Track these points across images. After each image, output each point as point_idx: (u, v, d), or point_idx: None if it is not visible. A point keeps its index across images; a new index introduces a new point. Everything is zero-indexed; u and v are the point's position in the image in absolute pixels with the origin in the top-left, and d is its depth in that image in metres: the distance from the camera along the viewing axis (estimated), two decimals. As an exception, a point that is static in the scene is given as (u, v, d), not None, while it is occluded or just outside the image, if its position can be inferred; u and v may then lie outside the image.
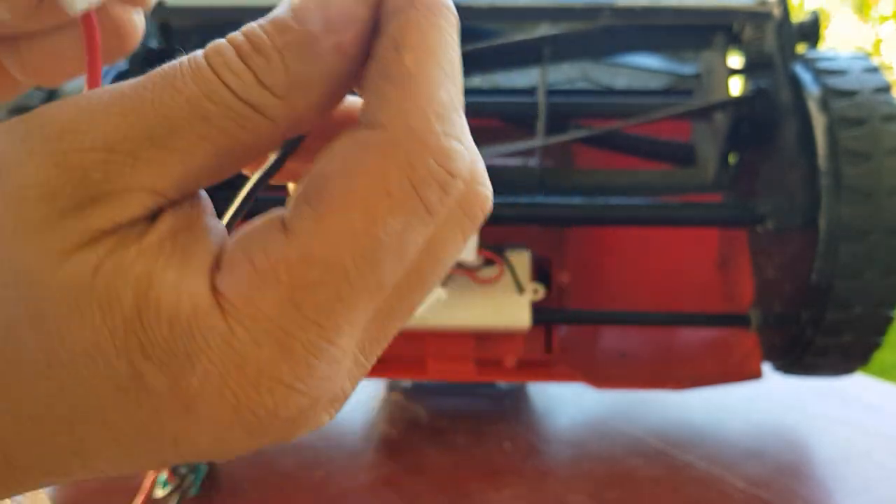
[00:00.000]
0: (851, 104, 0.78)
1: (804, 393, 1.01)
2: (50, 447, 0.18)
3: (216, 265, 0.18)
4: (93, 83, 0.22)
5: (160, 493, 0.75)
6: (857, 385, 1.04)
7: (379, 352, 0.21)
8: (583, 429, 0.93)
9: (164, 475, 0.76)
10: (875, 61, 0.85)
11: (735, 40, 0.91)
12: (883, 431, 0.93)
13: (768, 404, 0.99)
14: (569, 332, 0.97)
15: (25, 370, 0.17)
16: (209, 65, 0.18)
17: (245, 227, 0.18)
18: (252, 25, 0.18)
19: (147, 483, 0.76)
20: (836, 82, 0.80)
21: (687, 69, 1.03)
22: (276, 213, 0.18)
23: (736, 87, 0.97)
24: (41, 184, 0.17)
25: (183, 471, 0.76)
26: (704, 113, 0.92)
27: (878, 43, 5.91)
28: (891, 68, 5.64)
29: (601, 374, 0.92)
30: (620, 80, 1.06)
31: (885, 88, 0.80)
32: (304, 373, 0.18)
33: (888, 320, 0.78)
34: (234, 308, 0.17)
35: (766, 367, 0.92)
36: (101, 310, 0.17)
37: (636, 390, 0.99)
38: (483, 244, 0.83)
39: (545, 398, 1.00)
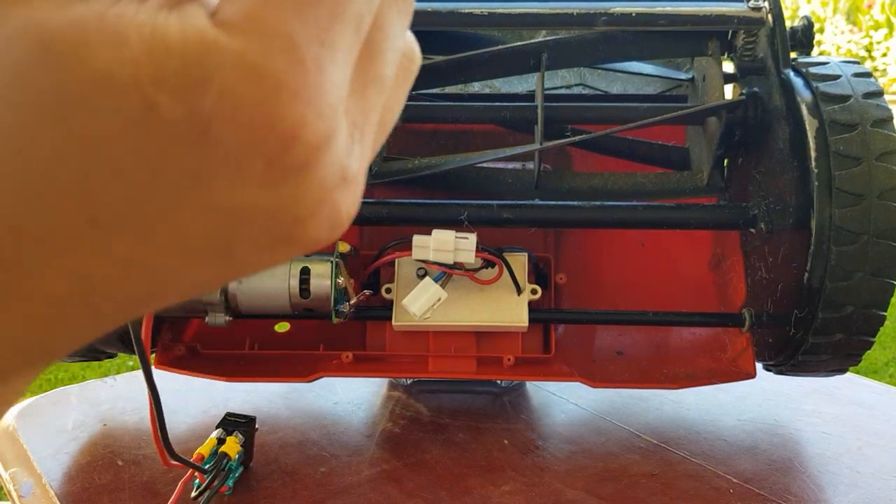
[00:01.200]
0: (843, 108, 0.79)
1: (796, 391, 1.03)
2: (61, 215, 0.17)
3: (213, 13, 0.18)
4: None
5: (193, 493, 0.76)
6: (849, 384, 1.05)
7: (367, 133, 0.21)
8: (580, 426, 0.95)
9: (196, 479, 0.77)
10: (867, 67, 0.86)
11: (729, 46, 0.93)
12: (874, 429, 0.95)
13: (761, 402, 1.00)
14: (566, 332, 0.98)
15: (35, 112, 0.16)
16: None
17: None
18: None
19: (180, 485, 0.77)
20: (827, 87, 0.81)
21: (682, 75, 1.04)
22: None
23: (730, 92, 0.98)
24: None
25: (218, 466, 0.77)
26: (698, 117, 0.93)
27: (870, 48, 5.93)
28: (883, 73, 5.65)
29: (597, 373, 0.93)
30: (616, 86, 1.08)
31: (877, 93, 0.80)
32: (316, 88, 0.18)
33: (879, 320, 0.79)
34: (241, 27, 0.17)
35: (759, 367, 0.93)
36: (109, 45, 0.16)
37: (631, 388, 1.00)
38: (482, 246, 0.85)
39: (543, 396, 1.02)
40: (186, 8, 0.17)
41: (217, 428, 0.81)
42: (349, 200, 0.20)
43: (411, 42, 0.23)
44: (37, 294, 0.17)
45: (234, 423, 0.82)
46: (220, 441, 0.80)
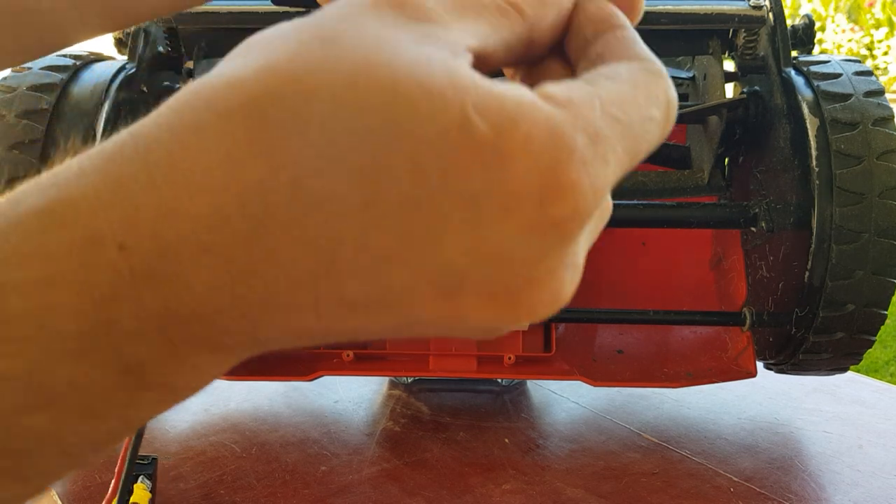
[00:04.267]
0: (843, 107, 0.79)
1: (797, 390, 1.03)
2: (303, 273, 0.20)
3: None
4: None
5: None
6: (850, 382, 1.05)
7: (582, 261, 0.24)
8: (580, 424, 0.95)
9: None
10: (868, 65, 0.86)
11: (730, 45, 0.92)
12: (874, 427, 0.95)
13: (761, 400, 1.00)
14: (567, 331, 0.98)
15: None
16: None
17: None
18: None
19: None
20: (828, 86, 0.81)
21: (683, 73, 1.04)
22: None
23: (731, 90, 0.98)
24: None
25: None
26: (699, 116, 0.93)
27: (871, 47, 5.92)
28: (884, 72, 5.65)
29: (598, 372, 0.93)
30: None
31: (878, 92, 0.81)
32: (597, 171, 0.21)
33: (880, 318, 0.79)
34: (561, 101, 0.21)
35: (760, 365, 0.93)
36: (441, 86, 0.20)
37: (632, 387, 1.00)
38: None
39: (544, 394, 1.02)
40: (516, 83, 0.21)
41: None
42: (571, 285, 0.22)
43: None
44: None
45: (138, 465, 0.75)
46: (128, 492, 0.74)
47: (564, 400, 1.00)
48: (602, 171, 0.21)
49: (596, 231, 0.25)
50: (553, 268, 0.21)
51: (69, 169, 0.21)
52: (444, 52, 0.20)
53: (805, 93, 0.81)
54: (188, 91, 0.20)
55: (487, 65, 0.23)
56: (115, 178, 0.20)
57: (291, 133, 0.19)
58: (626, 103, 0.22)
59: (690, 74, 1.03)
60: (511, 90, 0.20)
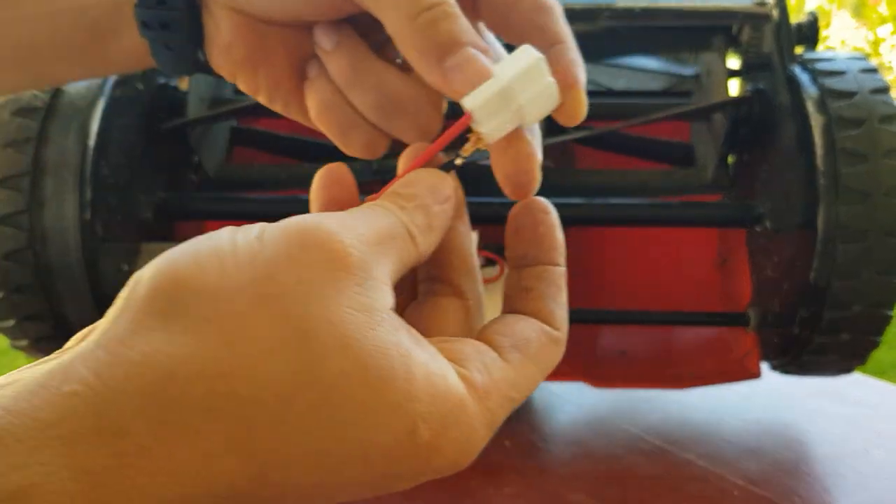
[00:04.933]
0: (849, 105, 0.78)
1: (802, 391, 1.02)
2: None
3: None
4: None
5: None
6: (855, 384, 1.04)
7: None
8: (583, 427, 0.94)
9: None
10: (873, 62, 0.85)
11: (734, 42, 0.92)
12: (880, 430, 0.94)
13: (766, 402, 0.99)
14: (569, 331, 0.97)
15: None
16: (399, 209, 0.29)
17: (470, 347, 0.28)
18: (411, 193, 0.30)
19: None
20: (833, 83, 0.80)
21: (686, 71, 1.03)
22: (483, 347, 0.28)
23: (735, 88, 0.97)
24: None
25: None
26: (703, 114, 0.92)
27: (876, 44, 5.91)
28: (889, 69, 5.64)
29: (601, 373, 0.92)
30: (620, 82, 1.07)
31: (883, 89, 0.80)
32: (480, 441, 0.26)
33: (886, 319, 0.79)
34: (479, 393, 0.26)
35: (765, 366, 0.92)
36: (397, 401, 0.24)
37: (635, 389, 0.99)
38: (483, 244, 0.84)
39: (546, 397, 1.01)
40: (465, 366, 0.27)
41: None
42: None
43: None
44: None
45: None
46: None
47: (566, 402, 1.00)
48: (488, 436, 0.27)
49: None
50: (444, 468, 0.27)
51: (26, 437, 0.20)
52: (400, 341, 0.25)
53: (810, 90, 0.81)
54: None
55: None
56: (83, 468, 0.20)
57: (271, 433, 0.23)
58: (525, 382, 0.28)
59: (694, 71, 1.02)
60: (446, 386, 0.25)
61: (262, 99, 0.36)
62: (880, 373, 2.58)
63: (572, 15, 0.89)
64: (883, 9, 6.00)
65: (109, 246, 0.80)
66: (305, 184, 0.32)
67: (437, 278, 0.31)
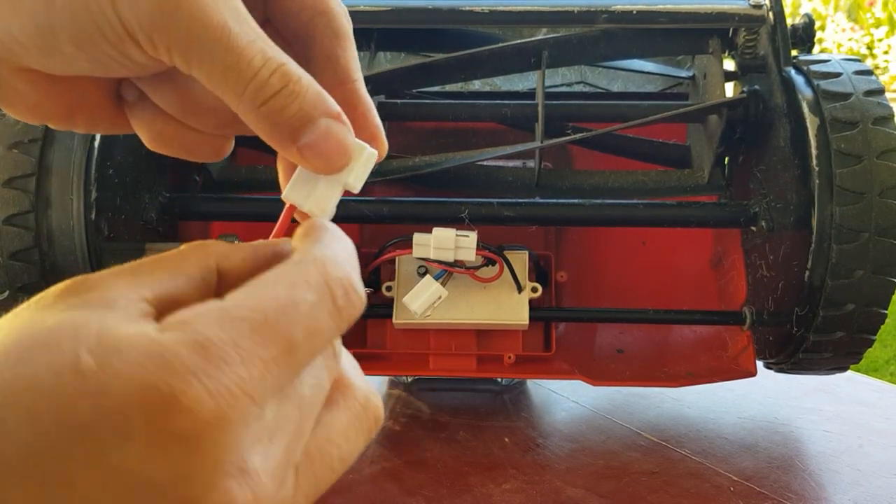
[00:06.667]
0: (843, 106, 0.79)
1: (797, 389, 1.03)
2: None
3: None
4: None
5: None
6: (850, 381, 1.05)
7: (284, 447, 0.24)
8: (580, 424, 0.95)
9: None
10: (868, 64, 0.86)
11: (730, 44, 0.92)
12: (875, 427, 0.95)
13: (761, 400, 1.00)
14: (566, 330, 0.98)
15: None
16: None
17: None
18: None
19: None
20: (828, 85, 0.81)
21: (683, 73, 1.04)
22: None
23: (730, 90, 0.98)
24: None
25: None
26: (699, 115, 0.93)
27: (871, 46, 5.92)
28: (885, 71, 5.65)
29: (598, 371, 0.93)
30: (617, 84, 1.08)
31: (878, 91, 0.80)
32: (214, 372, 0.21)
33: (880, 318, 0.79)
34: (170, 323, 0.22)
35: (760, 365, 0.93)
36: (59, 339, 0.21)
37: (632, 386, 1.00)
38: (483, 244, 0.85)
39: (544, 394, 1.02)
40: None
41: None
42: (246, 496, 0.21)
43: (375, 403, 0.28)
44: None
45: None
46: None
47: (564, 399, 1.00)
48: (230, 376, 0.21)
49: (291, 425, 0.24)
50: (207, 484, 0.20)
51: None
52: (91, 313, 0.21)
53: (805, 92, 0.81)
54: None
55: (187, 304, 0.23)
56: None
57: None
58: (269, 310, 0.23)
59: (690, 74, 1.03)
60: (131, 329, 0.21)
61: (80, 131, 0.34)
62: (874, 370, 2.59)
63: (570, 17, 0.90)
64: (878, 11, 6.01)
65: (114, 246, 0.80)
66: None
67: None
